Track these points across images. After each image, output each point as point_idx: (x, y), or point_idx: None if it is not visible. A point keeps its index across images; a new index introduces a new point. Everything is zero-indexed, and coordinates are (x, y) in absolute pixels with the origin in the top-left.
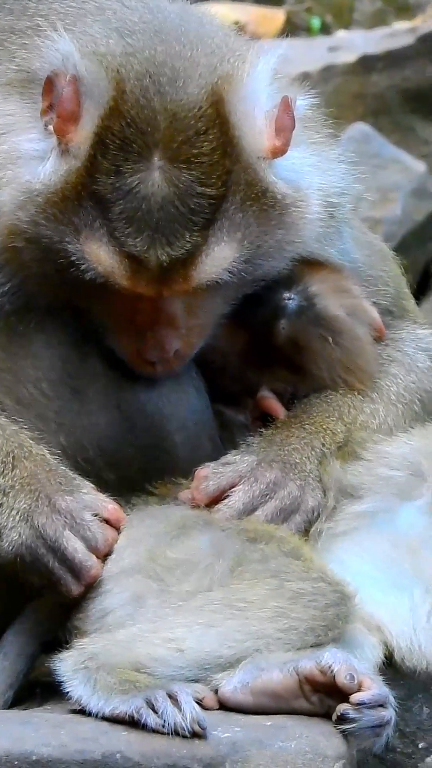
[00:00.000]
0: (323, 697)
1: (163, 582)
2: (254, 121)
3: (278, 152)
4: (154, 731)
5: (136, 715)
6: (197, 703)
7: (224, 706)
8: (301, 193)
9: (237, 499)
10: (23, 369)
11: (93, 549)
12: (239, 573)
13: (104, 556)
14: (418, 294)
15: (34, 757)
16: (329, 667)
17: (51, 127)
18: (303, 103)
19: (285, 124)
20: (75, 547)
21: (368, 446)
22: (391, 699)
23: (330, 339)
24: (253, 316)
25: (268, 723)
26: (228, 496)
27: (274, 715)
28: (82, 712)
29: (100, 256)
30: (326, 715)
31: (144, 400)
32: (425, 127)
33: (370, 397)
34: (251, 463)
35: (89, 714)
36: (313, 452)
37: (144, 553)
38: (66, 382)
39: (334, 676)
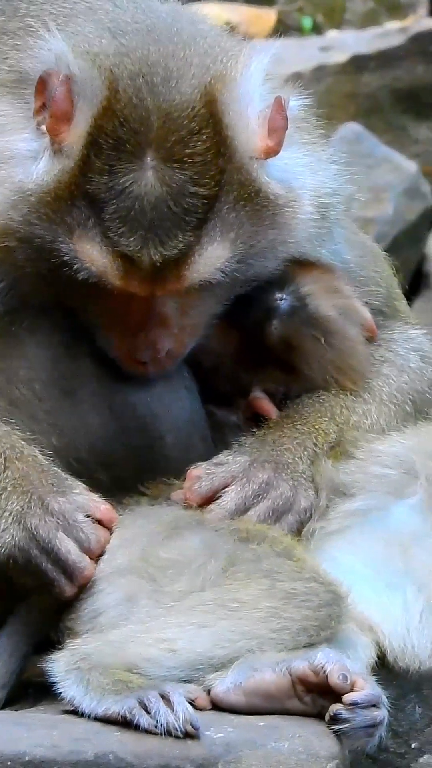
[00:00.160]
0: (316, 697)
1: (155, 582)
2: (247, 121)
3: (271, 152)
4: (147, 732)
5: (128, 716)
6: (190, 703)
7: (217, 707)
8: (294, 194)
9: (229, 499)
10: (15, 370)
11: (86, 550)
12: (232, 573)
13: (97, 557)
14: (410, 293)
15: (26, 758)
16: (322, 668)
17: (44, 127)
18: (296, 103)
19: (278, 125)
20: (68, 548)
21: (361, 445)
22: (384, 699)
23: (322, 339)
24: (245, 316)
25: (261, 723)
26: (220, 496)
27: (267, 716)
28: (75, 712)
29: (92, 255)
30: (319, 716)
31: (136, 400)
32: (417, 127)
33: (363, 398)
34: (244, 464)
35: (82, 714)
36: (305, 452)
37: (136, 554)
38: (58, 383)
39: (326, 677)
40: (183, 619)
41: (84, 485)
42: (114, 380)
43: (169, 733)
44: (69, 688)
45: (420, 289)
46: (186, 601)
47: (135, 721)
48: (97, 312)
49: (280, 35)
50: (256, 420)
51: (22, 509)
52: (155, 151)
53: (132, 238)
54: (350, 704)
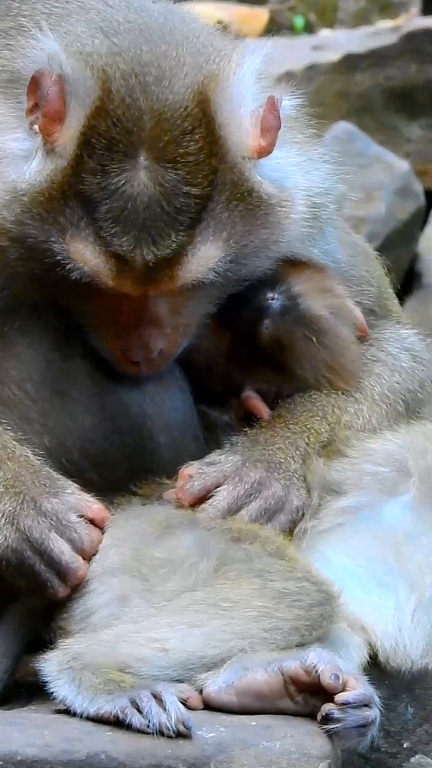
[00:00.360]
0: (308, 697)
1: (147, 582)
2: (240, 121)
3: (264, 152)
4: (139, 731)
5: (120, 715)
6: (182, 703)
7: (209, 706)
8: (286, 193)
9: (221, 498)
10: (7, 370)
11: (79, 550)
12: (224, 573)
13: (90, 557)
14: (402, 293)
15: (18, 758)
16: (314, 667)
17: (36, 127)
18: (288, 103)
19: (271, 124)
20: (61, 549)
21: (353, 444)
22: (376, 699)
23: (314, 339)
24: (237, 316)
25: (253, 723)
26: (213, 495)
27: (259, 715)
28: (67, 712)
29: (85, 255)
30: (311, 715)
31: (128, 400)
32: (409, 126)
33: (354, 397)
34: (236, 463)
35: (74, 714)
36: (297, 452)
37: (128, 553)
38: (50, 383)
39: (318, 676)
40: (175, 619)
41: (76, 485)
42: (107, 380)
43: (161, 733)
44: (61, 687)
45: (412, 288)
46: (178, 601)
47: (127, 721)
48: (90, 312)
49: (272, 34)
50: (248, 420)
51: (15, 510)
52: (148, 151)
53: (125, 238)
54: (342, 704)
